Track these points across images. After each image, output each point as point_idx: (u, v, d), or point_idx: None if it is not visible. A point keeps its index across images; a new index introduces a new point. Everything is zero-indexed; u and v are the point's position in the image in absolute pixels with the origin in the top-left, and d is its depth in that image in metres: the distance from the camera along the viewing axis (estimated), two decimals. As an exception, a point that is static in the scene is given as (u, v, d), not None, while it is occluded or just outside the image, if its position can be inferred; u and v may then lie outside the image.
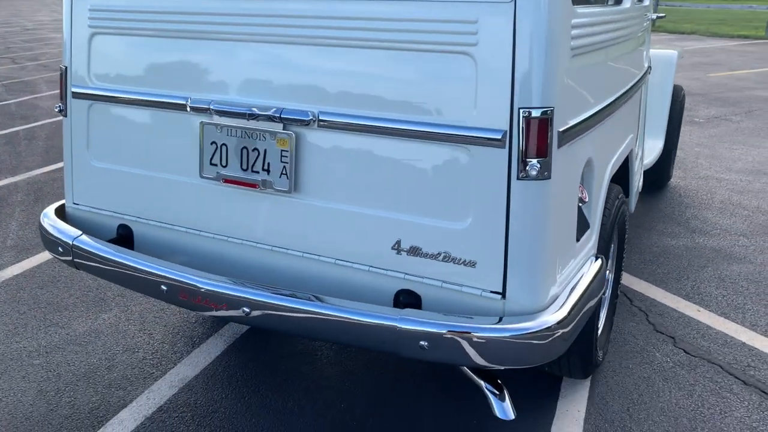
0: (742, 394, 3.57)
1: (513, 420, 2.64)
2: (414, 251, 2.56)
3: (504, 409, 2.49)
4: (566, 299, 2.52)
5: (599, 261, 2.90)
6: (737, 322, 4.25)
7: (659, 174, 6.11)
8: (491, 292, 2.47)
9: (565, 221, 2.57)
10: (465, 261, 2.48)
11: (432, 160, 2.49)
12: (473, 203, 2.44)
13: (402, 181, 2.55)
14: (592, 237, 2.95)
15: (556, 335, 2.37)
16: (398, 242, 2.59)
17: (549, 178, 2.37)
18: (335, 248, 2.71)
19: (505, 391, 2.56)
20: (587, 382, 3.62)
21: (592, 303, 2.65)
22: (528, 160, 2.34)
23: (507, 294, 2.45)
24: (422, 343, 2.37)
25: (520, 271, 2.41)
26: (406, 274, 2.60)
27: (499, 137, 2.35)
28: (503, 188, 2.38)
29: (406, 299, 2.62)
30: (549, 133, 2.33)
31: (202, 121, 2.85)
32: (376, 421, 3.27)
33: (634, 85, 3.73)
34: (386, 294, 2.65)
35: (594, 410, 3.42)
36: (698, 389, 3.59)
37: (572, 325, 2.45)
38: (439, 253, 2.53)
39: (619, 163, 3.28)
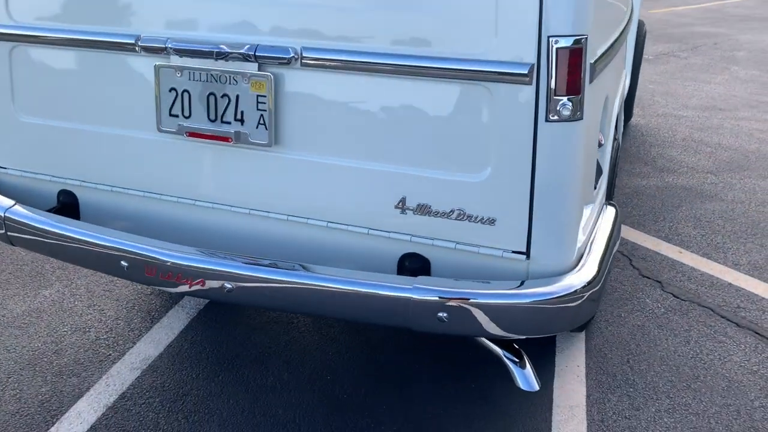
0: (737, 337, 3.41)
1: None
2: (422, 210, 2.18)
3: (527, 378, 2.19)
4: (589, 254, 2.20)
5: (613, 208, 2.59)
6: (720, 263, 4.09)
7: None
8: (513, 252, 2.13)
9: (590, 169, 2.23)
10: (482, 219, 2.12)
11: (442, 102, 2.08)
12: (493, 152, 2.06)
13: (406, 128, 2.14)
14: (603, 183, 2.63)
15: (586, 296, 2.06)
16: (403, 200, 2.19)
17: (581, 119, 2.01)
18: (327, 210, 2.30)
19: (526, 358, 2.24)
20: (582, 335, 3.38)
21: (613, 256, 2.35)
22: (558, 98, 1.96)
23: (531, 254, 2.10)
24: (441, 315, 2.01)
25: (547, 227, 2.07)
26: (412, 236, 2.22)
27: (525, 72, 1.96)
28: (529, 132, 2.01)
29: (413, 264, 2.25)
30: (582, 66, 1.96)
31: (157, 64, 2.34)
32: (369, 391, 2.93)
33: (630, 17, 3.40)
34: (389, 260, 2.27)
35: (594, 364, 3.18)
36: (694, 335, 3.40)
37: (602, 283, 2.14)
38: (452, 211, 2.15)
39: (623, 102, 2.95)
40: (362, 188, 2.24)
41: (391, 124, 2.16)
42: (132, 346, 3.24)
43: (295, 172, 2.31)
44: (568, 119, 1.99)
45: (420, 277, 2.07)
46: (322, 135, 2.25)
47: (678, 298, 3.73)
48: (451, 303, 2.00)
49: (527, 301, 1.99)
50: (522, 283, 2.04)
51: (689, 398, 3.00)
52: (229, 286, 2.18)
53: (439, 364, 3.14)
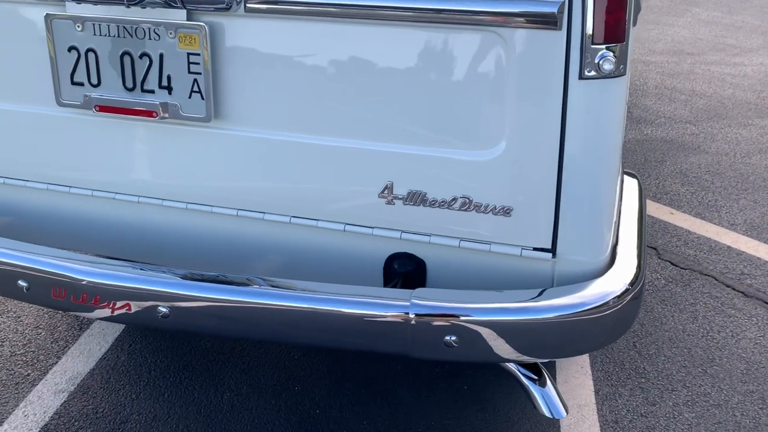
0: (746, 309, 3.02)
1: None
2: (414, 198, 1.63)
3: (551, 401, 1.70)
4: (622, 243, 1.70)
5: (634, 179, 2.09)
6: (715, 223, 3.69)
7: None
8: (535, 249, 1.61)
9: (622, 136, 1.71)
10: (495, 208, 1.58)
11: (440, 57, 1.52)
12: (508, 121, 1.52)
13: (391, 93, 1.58)
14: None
15: (629, 298, 1.57)
16: (389, 187, 1.64)
17: (623, 73, 1.48)
18: (289, 202, 1.72)
19: (547, 376, 1.75)
20: (581, 317, 2.91)
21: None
22: (596, 47, 1.42)
23: (558, 250, 1.59)
24: (450, 338, 1.50)
25: (578, 215, 1.56)
26: (403, 232, 1.67)
27: (553, 12, 1.40)
28: (556, 94, 1.47)
29: (404, 267, 1.71)
30: (627, 6, 1.42)
31: (48, 14, 1.69)
32: (347, 402, 2.42)
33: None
34: (373, 263, 1.73)
35: (598, 351, 2.74)
36: (701, 309, 2.99)
37: (642, 279, 1.65)
38: (454, 200, 1.61)
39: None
40: (334, 173, 1.67)
41: (369, 87, 1.59)
42: (56, 362, 2.63)
43: (245, 153, 1.72)
44: (609, 75, 1.46)
45: (419, 290, 1.54)
46: (277, 104, 1.66)
47: (677, 266, 3.32)
48: (463, 322, 1.48)
49: (568, 313, 1.48)
50: (551, 290, 1.52)
51: (707, 386, 2.58)
52: (164, 309, 1.61)
53: (425, 365, 2.64)
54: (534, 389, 1.77)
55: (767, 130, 4.88)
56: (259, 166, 1.73)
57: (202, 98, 1.69)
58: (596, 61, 1.45)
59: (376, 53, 1.56)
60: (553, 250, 1.61)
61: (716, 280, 3.24)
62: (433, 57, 1.53)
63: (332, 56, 1.59)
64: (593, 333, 1.55)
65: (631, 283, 1.60)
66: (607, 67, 1.44)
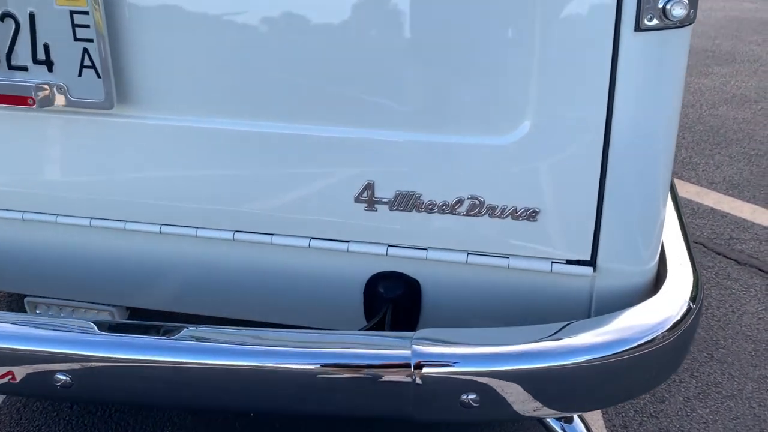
0: (742, 279, 2.72)
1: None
2: (404, 202, 1.17)
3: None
4: (667, 247, 1.30)
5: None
6: (694, 182, 3.37)
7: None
8: (569, 262, 1.17)
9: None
10: (516, 211, 1.14)
11: (437, 4, 1.04)
12: (535, 91, 1.07)
13: (368, 56, 1.09)
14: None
15: (695, 316, 1.18)
16: (369, 188, 1.17)
17: (693, 21, 1.03)
18: (230, 212, 1.23)
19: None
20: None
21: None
22: (660, -15, 0.97)
23: (599, 262, 1.16)
24: (467, 397, 1.06)
25: (628, 214, 1.14)
26: (389, 245, 1.20)
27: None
28: (603, 51, 1.02)
29: (391, 291, 1.26)
30: None
31: None
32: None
33: None
34: (349, 288, 1.27)
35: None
36: (695, 282, 2.64)
37: (702, 290, 1.26)
38: (459, 201, 1.16)
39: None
40: (292, 171, 1.19)
41: (334, 50, 1.10)
42: (-50, 408, 2.08)
43: (164, 150, 1.21)
44: (676, 24, 1.01)
45: (424, 331, 1.09)
46: (207, 80, 1.15)
47: (663, 234, 2.95)
48: (488, 376, 1.04)
49: (626, 348, 1.06)
50: (604, 319, 1.10)
51: (717, 374, 2.26)
52: (64, 377, 1.10)
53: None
54: (555, 424, 1.36)
55: (729, 79, 4.60)
56: (185, 165, 1.22)
57: (98, 76, 1.16)
58: (661, 5, 1.00)
59: (350, 8, 1.07)
60: (593, 262, 1.19)
61: (705, 247, 2.92)
62: (430, 4, 1.05)
63: (282, 8, 1.09)
64: (663, 364, 1.15)
65: (693, 298, 1.19)
66: (678, 12, 1.00)
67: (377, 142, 1.17)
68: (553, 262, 1.20)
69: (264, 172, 1.22)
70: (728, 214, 3.16)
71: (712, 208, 3.20)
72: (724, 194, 3.31)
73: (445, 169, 1.16)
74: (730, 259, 2.86)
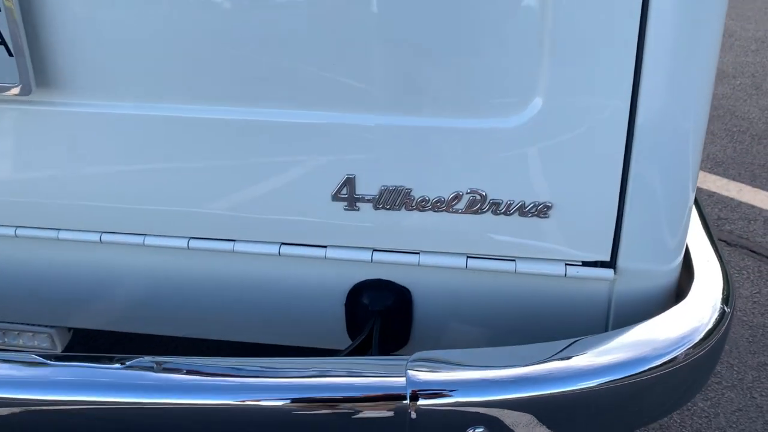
0: (734, 261, 2.58)
1: None
2: (391, 198, 0.97)
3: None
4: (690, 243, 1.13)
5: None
6: (678, 161, 3.19)
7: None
8: (586, 264, 0.99)
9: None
10: (524, 206, 0.95)
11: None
12: (548, 63, 0.86)
13: (345, 25, 0.87)
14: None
15: (728, 322, 1.01)
16: (348, 183, 0.96)
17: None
18: (182, 215, 1.01)
19: None
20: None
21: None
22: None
23: (619, 263, 0.98)
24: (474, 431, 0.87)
25: (655, 206, 0.96)
26: (374, 250, 1.00)
27: None
28: (631, 9, 0.82)
29: (378, 302, 1.07)
30: None
31: None
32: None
33: None
34: (328, 300, 1.07)
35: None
36: (686, 266, 2.49)
37: (733, 291, 1.08)
38: (457, 196, 0.96)
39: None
40: (255, 164, 0.97)
41: (303, 17, 0.88)
42: None
43: (99, 143, 0.98)
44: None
45: (421, 353, 0.89)
46: (148, 56, 0.93)
47: (649, 216, 2.80)
48: (497, 407, 0.85)
49: (655, 366, 0.89)
50: (633, 331, 0.92)
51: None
52: (-16, 426, 0.89)
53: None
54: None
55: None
56: (124, 160, 1.00)
57: (10, 54, 0.93)
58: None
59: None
60: (613, 263, 1.00)
61: (694, 229, 2.76)
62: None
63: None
64: (695, 378, 0.98)
65: (726, 300, 1.01)
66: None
67: (357, 129, 0.96)
68: (567, 264, 1.01)
69: (222, 166, 1.01)
70: (714, 193, 3.03)
71: (697, 187, 3.05)
72: (709, 173, 3.17)
73: (440, 159, 0.96)
74: (720, 240, 2.72)
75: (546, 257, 1.01)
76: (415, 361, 0.89)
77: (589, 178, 0.95)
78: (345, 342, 1.14)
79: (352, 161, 0.98)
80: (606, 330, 1.07)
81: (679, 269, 1.06)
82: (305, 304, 1.11)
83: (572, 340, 0.94)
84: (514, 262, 1.02)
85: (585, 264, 1.02)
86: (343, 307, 1.11)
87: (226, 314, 1.14)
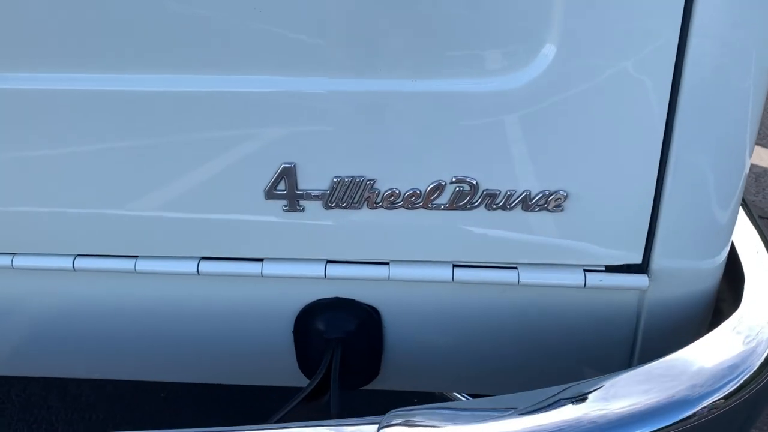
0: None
1: None
2: (346, 194, 0.68)
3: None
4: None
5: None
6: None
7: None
8: (610, 269, 0.71)
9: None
10: (529, 197, 0.67)
11: None
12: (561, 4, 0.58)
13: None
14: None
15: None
16: (286, 175, 0.67)
17: None
18: (61, 225, 0.71)
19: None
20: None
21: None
22: None
23: (653, 266, 0.71)
24: None
25: (701, 193, 0.67)
26: (328, 261, 0.71)
27: None
28: None
29: (336, 328, 0.77)
30: None
31: None
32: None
33: None
34: (270, 327, 0.77)
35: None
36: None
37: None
38: (438, 188, 0.67)
39: None
40: (157, 153, 0.67)
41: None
42: None
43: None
44: None
45: (395, 413, 0.61)
46: (27, 21, 0.61)
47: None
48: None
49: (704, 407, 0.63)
50: (683, 357, 0.66)
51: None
52: None
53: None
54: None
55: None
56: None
57: None
58: None
59: None
60: (645, 267, 0.73)
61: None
62: None
63: None
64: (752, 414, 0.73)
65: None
66: None
67: (296, 97, 0.66)
68: (586, 271, 0.74)
69: (106, 153, 0.70)
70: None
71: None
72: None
73: (414, 138, 0.68)
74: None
75: (558, 262, 0.74)
76: (387, 427, 0.62)
77: (618, 156, 0.68)
78: (303, 378, 0.86)
79: (291, 144, 0.69)
80: (632, 353, 0.81)
81: (723, 267, 0.81)
82: (241, 335, 0.82)
83: (591, 383, 0.67)
84: (516, 271, 0.75)
85: (609, 269, 0.75)
86: (292, 336, 0.82)
87: (138, 350, 0.84)
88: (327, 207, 0.72)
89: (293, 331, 0.82)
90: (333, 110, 0.67)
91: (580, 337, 0.79)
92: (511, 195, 0.71)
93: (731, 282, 0.84)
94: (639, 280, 0.74)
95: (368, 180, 0.70)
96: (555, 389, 0.67)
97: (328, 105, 0.67)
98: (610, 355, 0.80)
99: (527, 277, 0.75)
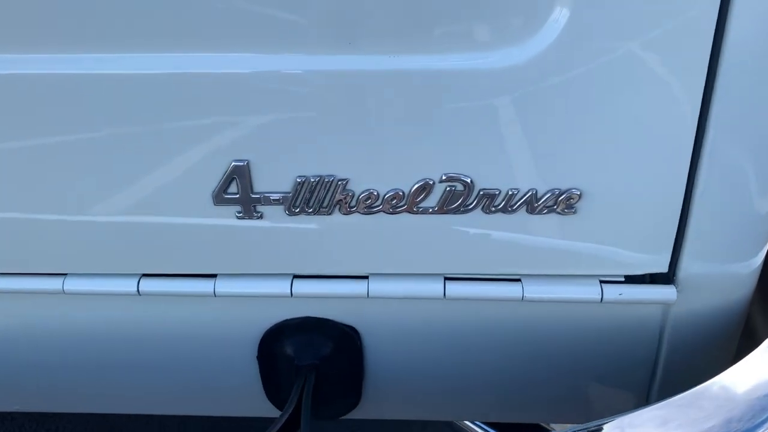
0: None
1: None
2: (313, 197, 0.54)
3: None
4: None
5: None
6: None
7: None
8: (630, 279, 0.58)
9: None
10: (535, 197, 0.53)
11: None
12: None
13: None
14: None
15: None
16: (238, 175, 0.52)
17: None
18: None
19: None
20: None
21: None
22: None
23: (680, 275, 0.57)
24: None
25: (740, 181, 0.54)
26: (294, 277, 0.57)
27: None
28: None
29: (308, 353, 0.63)
30: None
31: None
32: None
33: None
34: (229, 354, 0.63)
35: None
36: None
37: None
38: (424, 187, 0.53)
39: None
40: (81, 148, 0.53)
41: None
42: None
43: None
44: None
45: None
46: None
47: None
48: None
49: None
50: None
51: None
52: None
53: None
54: None
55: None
56: None
57: None
58: None
59: None
60: (672, 275, 0.60)
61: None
62: None
63: None
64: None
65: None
66: None
67: (247, 78, 0.53)
68: (603, 282, 0.61)
69: (14, 151, 0.56)
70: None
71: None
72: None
73: (396, 127, 0.54)
74: None
75: (570, 273, 0.61)
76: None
77: (643, 146, 0.55)
78: (275, 408, 0.73)
79: (243, 137, 0.55)
80: (653, 376, 0.69)
81: (759, 272, 0.68)
82: (199, 362, 0.69)
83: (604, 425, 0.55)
84: (519, 285, 0.62)
85: (628, 280, 0.62)
86: (257, 362, 0.69)
87: (75, 380, 0.71)
88: (290, 213, 0.58)
89: (257, 357, 0.69)
90: (294, 94, 0.54)
91: (591, 360, 0.66)
92: (513, 195, 0.57)
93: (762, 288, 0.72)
94: (666, 292, 0.62)
95: (339, 180, 0.57)
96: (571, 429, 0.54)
97: (287, 88, 0.54)
98: (627, 380, 0.68)
99: (533, 291, 0.62)
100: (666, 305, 0.64)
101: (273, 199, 0.58)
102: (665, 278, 0.63)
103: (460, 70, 0.52)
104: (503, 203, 0.58)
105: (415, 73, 0.52)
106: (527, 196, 0.57)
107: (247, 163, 0.56)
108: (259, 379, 0.70)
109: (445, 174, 0.57)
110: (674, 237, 0.61)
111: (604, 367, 0.68)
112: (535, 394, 0.71)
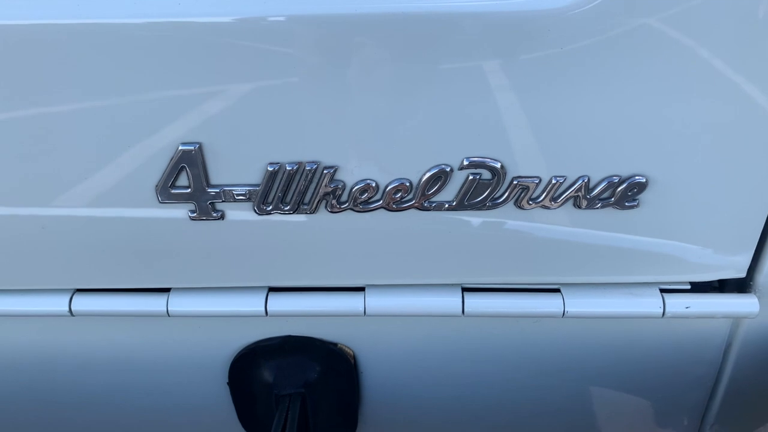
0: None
1: None
2: (290, 191, 0.37)
3: None
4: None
5: None
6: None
7: None
8: (696, 288, 0.43)
9: None
10: (588, 186, 0.37)
11: None
12: None
13: None
14: None
15: None
16: (186, 162, 0.35)
17: None
18: None
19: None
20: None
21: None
22: None
23: (762, 277, 0.42)
24: None
25: None
26: (270, 289, 0.42)
27: None
28: None
29: (291, 380, 0.48)
30: None
31: None
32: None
33: None
34: (194, 380, 0.48)
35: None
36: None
37: None
38: (439, 175, 0.36)
39: None
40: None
41: None
42: None
43: None
44: None
45: None
46: None
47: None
48: None
49: None
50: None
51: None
52: None
53: None
54: None
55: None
56: None
57: None
58: None
59: None
60: (749, 282, 0.45)
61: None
62: None
63: None
64: None
65: None
66: None
67: (195, 29, 0.36)
68: (664, 292, 0.47)
69: None
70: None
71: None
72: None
73: (400, 96, 0.38)
74: None
75: (627, 281, 0.46)
76: None
77: (725, 126, 0.40)
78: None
79: (192, 112, 0.39)
80: (711, 398, 0.55)
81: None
82: (160, 389, 0.54)
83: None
84: (559, 297, 0.47)
85: (695, 288, 0.48)
86: (231, 400, 0.54)
87: (24, 407, 0.56)
88: (261, 211, 0.43)
89: (228, 383, 0.54)
90: (261, 49, 0.38)
91: (637, 383, 0.52)
92: (556, 185, 0.42)
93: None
94: (746, 303, 0.47)
95: (326, 168, 0.41)
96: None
97: (251, 39, 0.37)
98: (680, 402, 0.54)
99: (575, 306, 0.47)
100: (727, 322, 0.50)
101: (237, 194, 0.42)
102: (739, 285, 0.48)
103: (485, 12, 0.36)
104: (544, 196, 0.42)
105: (425, 16, 0.36)
106: (576, 185, 0.42)
107: (199, 147, 0.40)
108: (233, 406, 0.56)
109: (467, 158, 0.41)
110: (759, 236, 0.46)
111: (654, 390, 0.54)
112: (563, 425, 0.57)
